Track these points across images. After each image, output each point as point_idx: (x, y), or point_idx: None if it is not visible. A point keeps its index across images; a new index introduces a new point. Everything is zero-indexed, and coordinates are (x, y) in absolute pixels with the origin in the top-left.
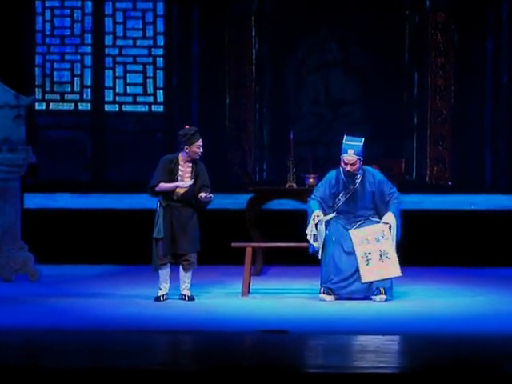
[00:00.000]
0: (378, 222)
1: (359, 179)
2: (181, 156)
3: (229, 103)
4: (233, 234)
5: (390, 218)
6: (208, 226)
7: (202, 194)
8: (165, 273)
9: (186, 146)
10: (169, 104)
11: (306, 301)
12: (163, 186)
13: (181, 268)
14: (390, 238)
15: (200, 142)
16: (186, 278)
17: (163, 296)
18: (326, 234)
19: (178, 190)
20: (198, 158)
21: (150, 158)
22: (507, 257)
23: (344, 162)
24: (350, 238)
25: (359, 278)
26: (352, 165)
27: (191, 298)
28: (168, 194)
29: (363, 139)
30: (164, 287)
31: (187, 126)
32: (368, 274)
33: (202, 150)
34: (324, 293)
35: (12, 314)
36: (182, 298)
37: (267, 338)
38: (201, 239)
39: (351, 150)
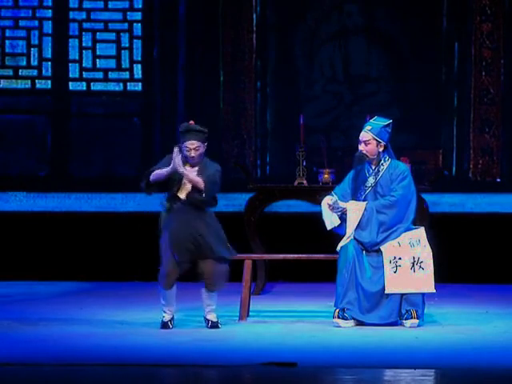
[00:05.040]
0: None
1: (383, 171)
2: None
3: (223, 80)
4: (228, 244)
5: (355, 204)
6: None
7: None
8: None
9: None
10: (149, 81)
11: (318, 326)
12: (157, 172)
13: (203, 288)
14: (427, 245)
15: (189, 144)
16: (208, 300)
17: (170, 321)
18: (346, 244)
19: (181, 190)
20: (192, 160)
21: (125, 149)
22: None
23: (359, 140)
24: (379, 248)
25: (386, 298)
26: (365, 143)
27: (214, 325)
28: (172, 194)
29: (390, 121)
30: (170, 311)
31: (192, 122)
32: (393, 284)
33: (193, 155)
34: (339, 317)
35: None
36: (206, 323)
37: (271, 372)
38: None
39: (368, 127)
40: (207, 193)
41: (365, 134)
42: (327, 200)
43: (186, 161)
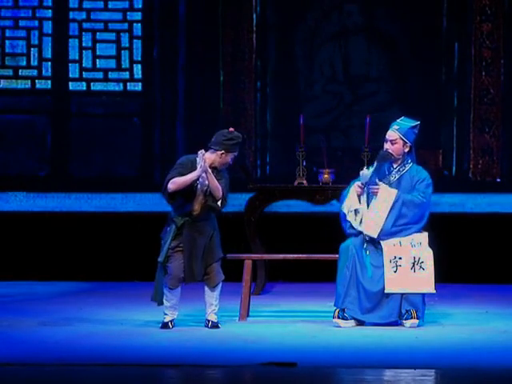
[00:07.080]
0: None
1: (404, 172)
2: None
3: (223, 81)
4: (228, 244)
5: (389, 190)
6: None
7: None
8: (175, 298)
9: (222, 151)
10: (149, 81)
11: (318, 326)
12: (179, 180)
13: (206, 287)
14: (428, 247)
15: (236, 154)
16: (212, 300)
17: (171, 322)
18: (347, 243)
19: (195, 205)
20: (223, 168)
21: (125, 149)
22: None
23: (385, 138)
24: (379, 247)
25: (386, 298)
26: (392, 143)
27: (214, 325)
28: (184, 210)
29: (418, 122)
30: (171, 313)
31: (231, 129)
32: (393, 284)
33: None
34: (339, 317)
35: None
36: (206, 323)
37: (271, 372)
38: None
39: (396, 126)
40: (223, 202)
41: (392, 133)
42: (358, 183)
43: (216, 165)
